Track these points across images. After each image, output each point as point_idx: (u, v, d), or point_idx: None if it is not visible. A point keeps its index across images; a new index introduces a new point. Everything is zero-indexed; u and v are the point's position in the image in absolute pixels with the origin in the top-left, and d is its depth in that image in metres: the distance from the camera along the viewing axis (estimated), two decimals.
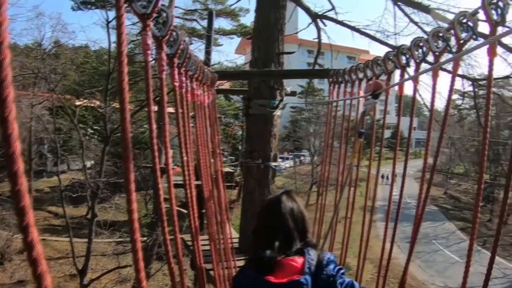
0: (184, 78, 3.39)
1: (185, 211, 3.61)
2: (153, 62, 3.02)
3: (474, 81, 13.65)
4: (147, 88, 2.42)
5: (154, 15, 2.36)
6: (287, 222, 2.81)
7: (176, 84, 3.11)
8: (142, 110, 30.32)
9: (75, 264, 24.23)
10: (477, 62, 17.82)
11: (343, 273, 2.78)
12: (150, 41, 2.33)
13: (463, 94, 20.57)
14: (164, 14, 2.57)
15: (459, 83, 14.20)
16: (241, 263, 6.94)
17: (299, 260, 2.67)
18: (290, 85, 9.75)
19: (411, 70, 3.86)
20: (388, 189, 4.21)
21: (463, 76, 13.26)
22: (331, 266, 2.74)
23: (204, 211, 7.17)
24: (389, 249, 4.11)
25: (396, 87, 3.98)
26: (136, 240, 1.75)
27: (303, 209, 2.97)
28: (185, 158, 3.46)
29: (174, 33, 2.88)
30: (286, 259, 2.66)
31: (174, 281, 2.89)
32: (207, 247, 4.93)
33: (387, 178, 55.77)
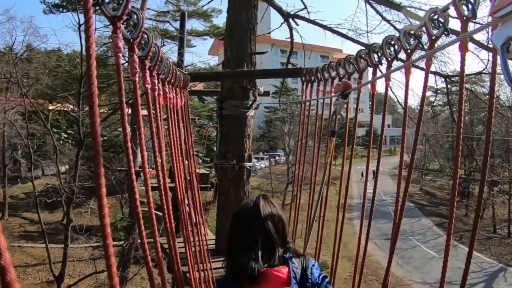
0: (156, 81, 3.37)
1: (161, 214, 3.58)
2: (126, 64, 3.00)
3: (446, 77, 13.75)
4: (120, 91, 2.39)
5: (125, 17, 2.33)
6: (268, 228, 2.69)
7: (148, 86, 3.08)
8: (116, 113, 30.15)
9: (51, 270, 23.99)
10: (449, 58, 18.02)
11: (328, 282, 2.76)
12: (121, 43, 2.30)
13: (436, 91, 20.76)
14: (135, 16, 2.54)
15: (432, 80, 14.33)
16: (217, 264, 6.94)
17: (284, 270, 2.59)
18: (264, 85, 9.74)
19: (383, 68, 3.87)
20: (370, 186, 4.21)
21: (436, 73, 13.36)
22: (316, 274, 2.72)
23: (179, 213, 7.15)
24: (364, 246, 4.10)
25: (369, 86, 3.98)
26: (109, 245, 1.73)
27: (281, 213, 2.87)
28: (159, 161, 3.44)
29: (145, 35, 2.85)
30: (270, 270, 2.56)
31: (154, 285, 2.87)
32: (183, 250, 4.91)
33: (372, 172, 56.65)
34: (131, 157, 2.43)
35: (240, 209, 2.98)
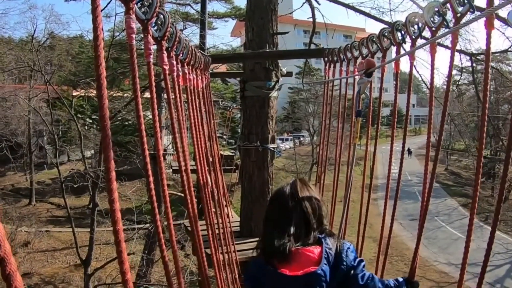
0: (174, 62, 3.32)
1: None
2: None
3: (472, 55, 13.56)
4: (133, 73, 2.37)
5: None
6: (304, 210, 2.69)
7: (166, 67, 3.05)
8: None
9: (78, 254, 24.22)
10: (474, 36, 17.81)
11: (363, 266, 2.71)
12: (134, 24, 2.27)
13: (461, 69, 20.51)
14: None
15: (457, 58, 14.14)
16: (241, 247, 6.93)
17: (315, 250, 2.58)
18: (287, 65, 9.68)
19: (407, 47, 3.79)
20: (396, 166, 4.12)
21: (460, 51, 13.18)
22: (351, 257, 2.67)
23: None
24: (389, 226, 4.04)
25: (393, 65, 3.90)
26: (119, 230, 1.71)
27: (318, 195, 2.86)
28: (179, 143, 3.40)
29: (161, 16, 2.81)
30: (302, 249, 2.56)
31: (167, 266, 2.85)
32: (207, 232, 4.89)
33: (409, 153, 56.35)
34: (145, 139, 2.41)
35: (277, 193, 2.97)
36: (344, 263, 2.60)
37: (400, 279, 2.98)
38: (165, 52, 3.03)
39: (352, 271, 2.62)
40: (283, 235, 2.57)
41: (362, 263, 2.70)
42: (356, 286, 2.62)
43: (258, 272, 2.68)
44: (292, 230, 2.60)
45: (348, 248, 2.69)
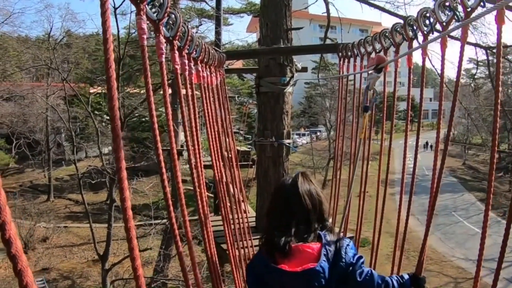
0: (187, 61, 3.34)
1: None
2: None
3: (487, 49, 13.42)
4: (145, 73, 2.40)
5: None
6: (305, 205, 2.72)
7: (177, 67, 3.07)
8: (155, 93, 30.37)
9: (96, 250, 24.38)
10: (490, 30, 17.57)
11: (362, 262, 2.71)
12: (145, 25, 2.29)
13: (477, 63, 20.29)
14: None
15: (472, 52, 14.04)
16: (257, 242, 6.94)
17: (315, 246, 2.59)
18: (303, 60, 9.67)
19: (420, 42, 3.79)
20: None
21: (476, 45, 13.06)
22: (350, 254, 2.66)
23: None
24: (405, 222, 4.04)
25: (406, 60, 3.91)
26: (130, 228, 1.74)
27: (319, 190, 2.88)
28: (190, 141, 3.43)
29: (172, 16, 2.83)
30: (302, 246, 2.57)
31: (183, 261, 2.88)
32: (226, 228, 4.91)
33: (430, 147, 55.96)
34: (158, 138, 2.44)
35: (279, 186, 3.04)
36: (343, 260, 2.61)
37: (406, 276, 3.01)
38: (177, 51, 3.05)
39: (350, 268, 2.63)
40: (285, 230, 2.61)
41: (361, 260, 2.70)
42: (354, 283, 2.63)
43: (259, 268, 2.72)
44: (293, 225, 2.63)
45: (348, 245, 2.70)
